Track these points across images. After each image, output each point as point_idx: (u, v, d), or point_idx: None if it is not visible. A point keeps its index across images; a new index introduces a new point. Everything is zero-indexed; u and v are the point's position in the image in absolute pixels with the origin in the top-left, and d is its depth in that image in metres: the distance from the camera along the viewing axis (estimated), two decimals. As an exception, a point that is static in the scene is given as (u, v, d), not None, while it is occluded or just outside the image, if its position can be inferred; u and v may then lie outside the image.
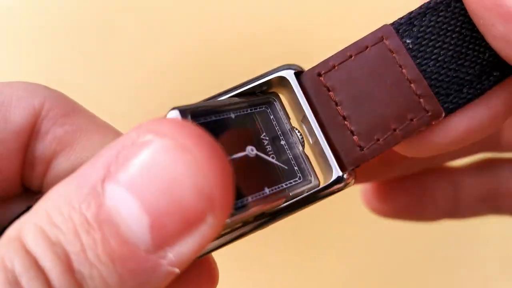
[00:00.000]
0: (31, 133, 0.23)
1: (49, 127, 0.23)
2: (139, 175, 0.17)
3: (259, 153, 0.22)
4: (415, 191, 0.33)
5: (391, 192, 0.33)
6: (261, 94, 0.24)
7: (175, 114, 0.20)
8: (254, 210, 0.21)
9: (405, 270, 0.49)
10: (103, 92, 0.48)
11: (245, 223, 0.22)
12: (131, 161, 0.17)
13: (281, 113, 0.24)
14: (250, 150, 0.22)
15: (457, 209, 0.33)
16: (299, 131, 0.24)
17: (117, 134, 0.24)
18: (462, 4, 0.22)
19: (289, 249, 0.49)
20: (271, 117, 0.24)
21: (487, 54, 0.22)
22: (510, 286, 0.48)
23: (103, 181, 0.17)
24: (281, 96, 0.25)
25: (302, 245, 0.49)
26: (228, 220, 0.19)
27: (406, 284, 0.49)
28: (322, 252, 0.49)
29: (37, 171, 0.23)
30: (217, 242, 0.22)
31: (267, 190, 0.22)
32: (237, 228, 0.22)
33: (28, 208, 0.22)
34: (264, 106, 0.24)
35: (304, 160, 0.23)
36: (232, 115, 0.22)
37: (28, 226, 0.17)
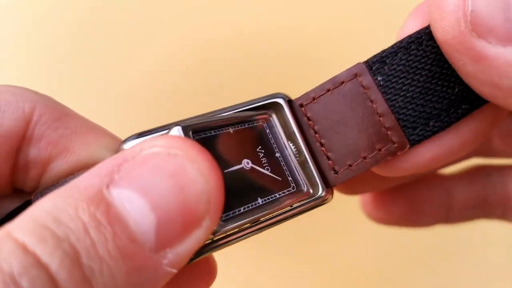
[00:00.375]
0: (22, 138, 0.23)
1: (42, 132, 0.23)
2: (147, 178, 0.18)
3: (254, 166, 0.25)
4: (410, 199, 0.35)
5: (388, 201, 0.35)
6: (260, 109, 0.26)
7: (178, 130, 0.22)
8: (246, 219, 0.23)
9: (405, 270, 0.49)
10: (100, 94, 0.49)
11: (241, 229, 0.23)
12: (138, 169, 0.18)
13: (277, 128, 0.26)
14: (246, 164, 0.24)
15: (450, 216, 0.35)
16: (293, 145, 0.26)
17: (110, 135, 0.25)
18: (434, 42, 0.23)
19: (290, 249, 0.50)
20: (267, 131, 0.26)
21: (456, 89, 0.24)
22: (510, 286, 0.49)
23: (107, 186, 0.18)
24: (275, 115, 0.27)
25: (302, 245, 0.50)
26: (222, 229, 0.22)
27: (406, 284, 0.49)
28: (322, 252, 0.50)
29: (32, 173, 0.24)
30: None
31: (260, 200, 0.24)
32: (234, 234, 0.23)
33: (25, 204, 0.23)
34: (261, 121, 0.26)
35: (297, 171, 0.26)
36: (231, 130, 0.25)
37: (25, 226, 0.17)
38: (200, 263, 0.25)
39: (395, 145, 0.24)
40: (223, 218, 0.23)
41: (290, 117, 0.26)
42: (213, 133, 0.24)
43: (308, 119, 0.26)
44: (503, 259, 0.49)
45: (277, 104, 0.26)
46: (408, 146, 0.24)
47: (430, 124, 0.24)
